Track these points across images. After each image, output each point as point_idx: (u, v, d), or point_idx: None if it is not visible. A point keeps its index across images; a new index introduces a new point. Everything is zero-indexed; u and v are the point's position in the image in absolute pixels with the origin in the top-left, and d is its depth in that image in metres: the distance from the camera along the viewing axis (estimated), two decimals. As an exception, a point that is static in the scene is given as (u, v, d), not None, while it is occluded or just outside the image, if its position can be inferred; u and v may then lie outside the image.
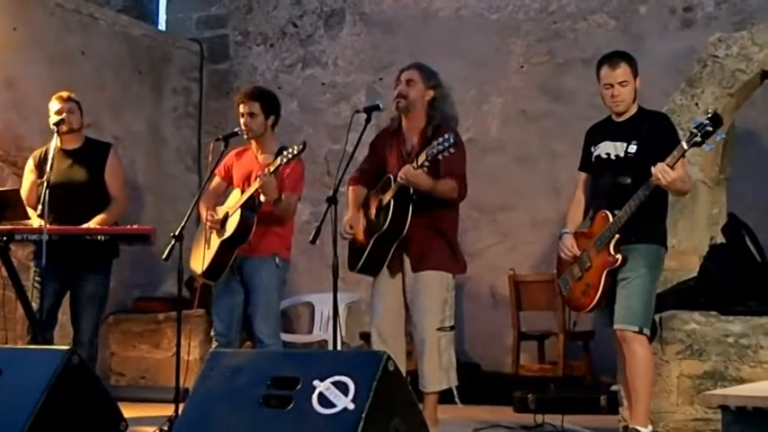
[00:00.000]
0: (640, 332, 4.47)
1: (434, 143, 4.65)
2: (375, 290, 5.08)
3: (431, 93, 5.02)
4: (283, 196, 5.15)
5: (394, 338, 4.97)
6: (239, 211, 5.14)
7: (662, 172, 4.29)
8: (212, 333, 5.35)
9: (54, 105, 5.58)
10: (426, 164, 4.70)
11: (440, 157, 4.63)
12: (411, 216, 4.84)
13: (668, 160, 4.30)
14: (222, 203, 5.42)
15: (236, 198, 5.27)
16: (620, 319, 4.51)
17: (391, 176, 4.92)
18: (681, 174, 4.39)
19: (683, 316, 4.97)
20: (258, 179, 5.04)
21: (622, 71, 4.58)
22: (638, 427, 4.47)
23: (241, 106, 5.34)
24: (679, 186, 4.43)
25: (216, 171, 5.41)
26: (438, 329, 4.90)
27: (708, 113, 4.44)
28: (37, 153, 5.67)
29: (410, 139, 5.04)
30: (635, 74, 4.61)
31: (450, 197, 4.90)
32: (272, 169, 5.01)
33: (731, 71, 5.36)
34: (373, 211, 5.01)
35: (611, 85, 4.59)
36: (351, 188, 5.22)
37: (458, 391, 5.09)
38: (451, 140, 4.57)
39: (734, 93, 5.38)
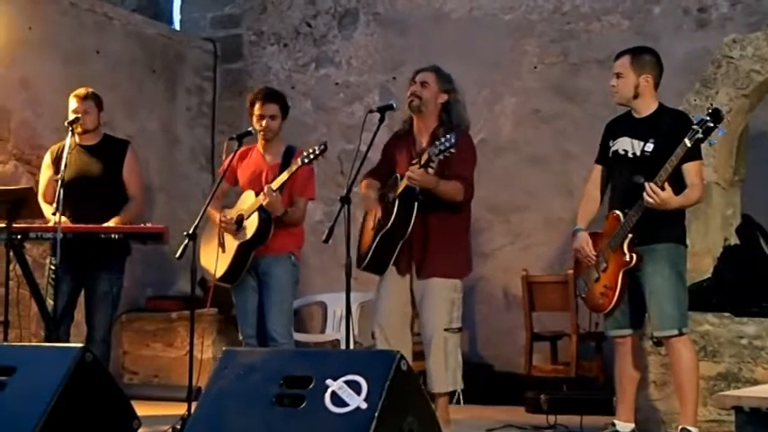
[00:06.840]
0: (680, 333, 4.45)
1: (436, 142, 4.66)
2: (380, 288, 5.07)
3: (444, 96, 5.03)
4: (288, 210, 5.19)
5: (397, 338, 4.96)
6: (257, 213, 5.16)
7: (650, 195, 4.26)
8: (240, 338, 5.35)
9: (71, 103, 5.56)
10: (431, 164, 4.71)
11: (441, 156, 4.64)
12: (416, 216, 4.85)
13: (656, 179, 4.26)
14: (227, 205, 5.43)
15: (249, 200, 5.27)
16: (658, 326, 4.51)
17: (398, 175, 4.93)
18: (672, 197, 4.30)
19: (696, 317, 4.95)
20: (263, 195, 5.08)
21: (620, 62, 4.61)
22: (689, 427, 4.43)
23: (258, 108, 5.34)
24: (675, 206, 4.37)
25: (218, 172, 5.45)
26: (446, 330, 4.91)
27: (708, 109, 4.40)
28: (54, 148, 5.63)
29: (420, 140, 5.05)
30: (638, 69, 4.56)
31: (455, 198, 4.89)
32: (273, 187, 5.07)
33: (746, 72, 5.35)
34: (381, 209, 5.02)
35: (613, 75, 4.62)
36: (363, 182, 5.22)
37: (470, 392, 5.08)
38: (453, 140, 4.58)
39: (748, 94, 5.37)
